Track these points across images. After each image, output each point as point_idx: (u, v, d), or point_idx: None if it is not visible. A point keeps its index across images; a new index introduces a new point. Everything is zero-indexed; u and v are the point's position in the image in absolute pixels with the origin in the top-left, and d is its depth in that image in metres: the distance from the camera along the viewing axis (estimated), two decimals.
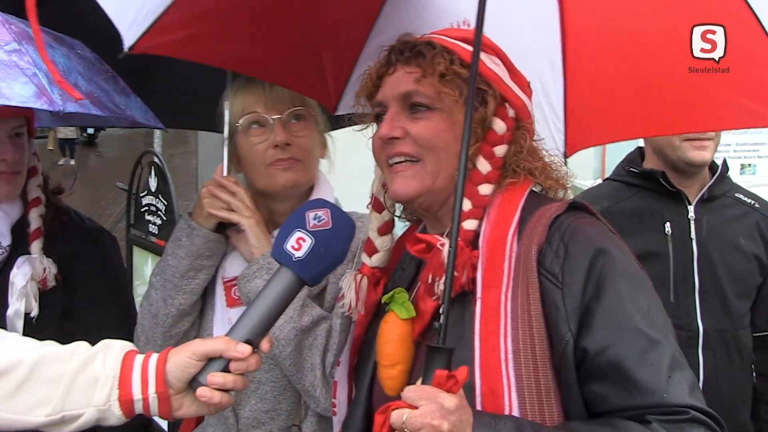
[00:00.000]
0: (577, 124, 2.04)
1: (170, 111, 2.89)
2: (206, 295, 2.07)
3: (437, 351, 1.30)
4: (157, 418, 2.33)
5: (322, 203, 1.52)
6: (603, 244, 1.42)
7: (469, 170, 1.52)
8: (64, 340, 1.47)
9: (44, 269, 2.08)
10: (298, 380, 1.91)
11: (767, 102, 1.79)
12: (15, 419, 1.36)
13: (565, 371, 1.36)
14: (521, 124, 1.58)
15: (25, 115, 2.11)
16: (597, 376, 1.36)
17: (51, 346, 1.43)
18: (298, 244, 1.45)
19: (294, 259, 1.44)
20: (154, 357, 1.41)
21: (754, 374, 2.70)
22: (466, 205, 1.50)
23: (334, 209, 1.51)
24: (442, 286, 1.40)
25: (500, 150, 1.54)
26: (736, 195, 2.74)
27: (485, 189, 1.52)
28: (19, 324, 2.03)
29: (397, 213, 1.76)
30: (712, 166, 2.72)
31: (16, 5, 1.61)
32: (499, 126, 1.54)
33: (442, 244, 1.44)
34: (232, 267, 2.05)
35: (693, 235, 2.59)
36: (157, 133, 11.67)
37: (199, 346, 1.40)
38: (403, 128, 1.54)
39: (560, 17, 1.97)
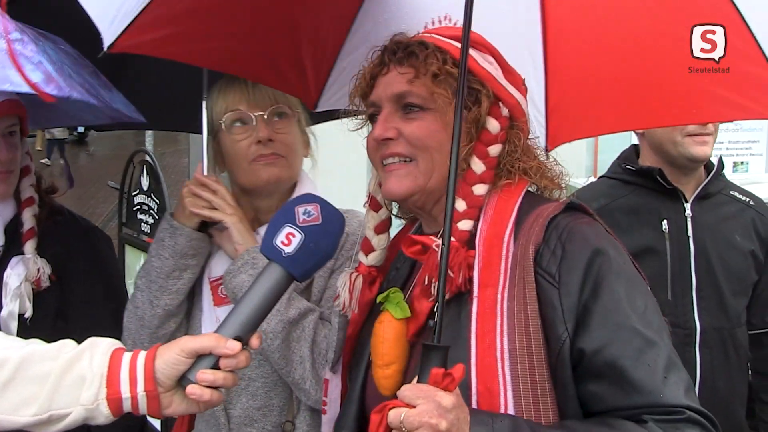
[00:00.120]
0: (560, 119, 2.05)
1: (159, 112, 2.89)
2: (193, 296, 2.07)
3: (433, 349, 1.30)
4: (150, 418, 2.33)
5: (311, 198, 1.51)
6: (600, 244, 1.43)
7: (464, 170, 1.52)
8: (59, 340, 1.45)
9: (38, 269, 2.07)
10: (287, 373, 1.92)
11: (755, 97, 1.81)
12: (1, 419, 1.34)
13: (561, 370, 1.36)
14: (515, 124, 1.58)
15: (18, 113, 2.09)
16: (593, 376, 1.36)
17: (37, 345, 1.41)
18: (288, 240, 1.43)
19: (284, 255, 1.43)
20: (142, 354, 1.39)
21: (750, 372, 2.70)
22: (461, 205, 1.50)
23: (324, 204, 1.49)
24: None
25: (494, 150, 1.54)
26: (731, 192, 2.74)
27: (480, 189, 1.52)
28: (13, 325, 2.02)
29: (394, 211, 1.76)
30: (707, 164, 2.72)
31: None
32: (493, 125, 1.54)
33: (438, 245, 1.43)
34: (218, 266, 2.06)
35: (690, 232, 2.60)
36: (149, 132, 11.62)
37: (188, 343, 1.38)
38: (397, 129, 1.54)
39: (541, 12, 1.99)
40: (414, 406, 1.23)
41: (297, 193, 2.07)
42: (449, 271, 1.39)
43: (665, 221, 2.59)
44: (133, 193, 4.74)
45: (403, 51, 1.55)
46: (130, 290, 3.73)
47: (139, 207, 4.67)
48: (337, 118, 2.80)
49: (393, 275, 1.69)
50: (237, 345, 1.38)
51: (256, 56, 1.96)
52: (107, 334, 1.46)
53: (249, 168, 2.01)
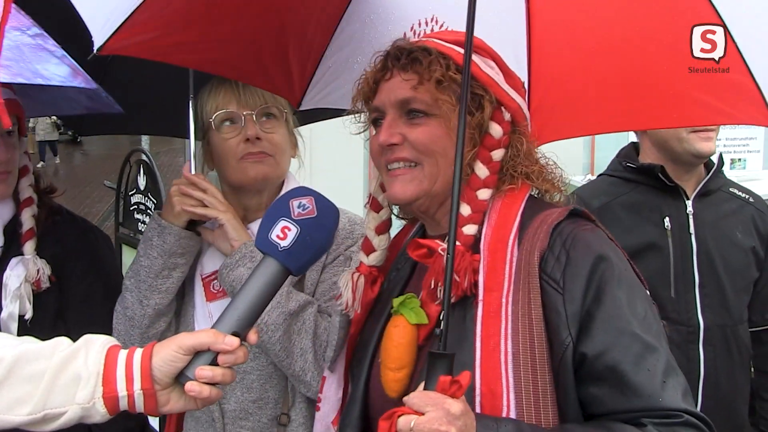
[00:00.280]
0: (543, 119, 2.04)
1: (150, 116, 2.89)
2: (185, 293, 2.10)
3: (439, 357, 1.32)
4: (149, 417, 2.32)
5: (305, 191, 1.50)
6: (603, 250, 1.46)
7: (468, 175, 1.54)
8: None
9: (38, 270, 2.05)
10: (287, 365, 1.93)
11: (732, 102, 1.86)
12: None
13: (564, 374, 1.39)
14: (517, 128, 1.59)
15: (16, 113, 2.07)
16: (595, 379, 1.39)
17: (31, 343, 1.39)
18: (284, 234, 1.42)
19: (280, 249, 1.41)
20: (138, 352, 1.37)
21: (752, 369, 2.71)
22: (466, 210, 1.52)
23: (319, 197, 1.49)
24: None
25: (498, 154, 1.56)
26: (731, 189, 2.75)
27: (484, 194, 1.54)
28: (14, 326, 2.00)
29: (395, 212, 1.77)
30: (707, 161, 2.72)
31: None
32: (496, 130, 1.55)
33: (443, 249, 1.45)
34: (209, 263, 2.09)
35: (692, 229, 2.59)
36: None
37: (186, 340, 1.36)
38: (402, 134, 1.55)
39: (527, 10, 2.00)
40: (422, 413, 1.26)
41: (284, 192, 2.07)
42: (455, 276, 1.42)
43: (667, 218, 2.59)
44: (130, 193, 4.73)
45: (407, 57, 1.56)
46: None
47: (136, 206, 4.66)
48: (324, 119, 2.83)
49: (394, 276, 1.71)
50: (235, 341, 1.37)
51: (242, 57, 1.98)
52: (106, 334, 1.45)
53: (237, 166, 2.04)
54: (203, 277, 2.10)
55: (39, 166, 19.26)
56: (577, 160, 5.91)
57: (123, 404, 1.35)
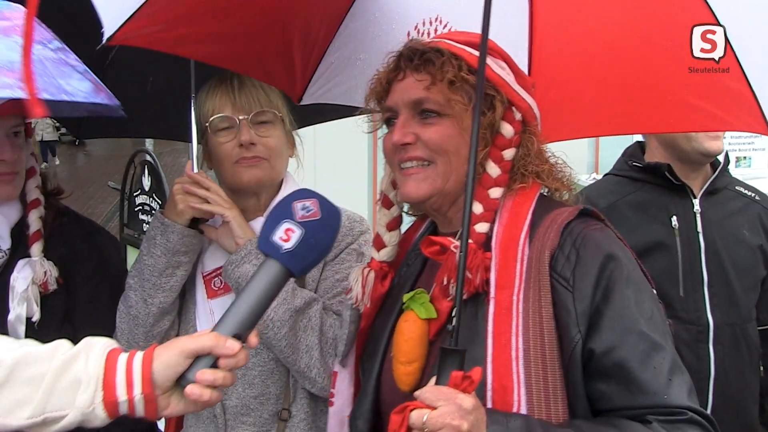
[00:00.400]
0: (542, 120, 2.08)
1: (153, 121, 2.89)
2: (186, 291, 2.11)
3: (451, 353, 1.35)
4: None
5: (308, 193, 1.49)
6: (612, 250, 1.49)
7: (480, 174, 1.57)
8: None
9: (45, 272, 2.04)
10: (293, 362, 1.95)
11: (728, 108, 1.89)
12: None
13: (573, 371, 1.42)
14: (528, 128, 1.62)
15: (22, 113, 2.06)
16: (602, 375, 1.42)
17: (31, 346, 1.39)
18: (287, 236, 1.42)
19: (282, 251, 1.41)
20: (139, 356, 1.36)
21: (762, 368, 2.69)
22: (478, 208, 1.55)
23: (322, 199, 1.49)
24: None
25: (509, 153, 1.59)
26: (737, 188, 2.74)
27: (495, 192, 1.57)
28: (21, 329, 1.99)
29: (405, 209, 1.79)
30: (713, 160, 2.71)
31: None
32: (507, 130, 1.58)
33: (456, 247, 1.49)
34: (210, 260, 2.11)
35: (699, 228, 2.58)
36: None
37: (187, 344, 1.36)
38: (415, 134, 1.58)
39: (530, 14, 2.03)
40: (434, 408, 1.28)
41: (282, 193, 2.12)
42: (467, 273, 1.45)
43: (674, 217, 2.58)
44: (135, 194, 4.73)
45: (420, 58, 1.59)
46: None
47: (140, 207, 4.66)
48: (322, 121, 2.84)
49: (404, 271, 1.74)
50: (237, 344, 1.36)
51: (247, 51, 1.99)
52: (113, 335, 1.43)
53: (232, 169, 2.06)
54: (204, 274, 2.12)
55: (43, 167, 19.24)
56: (581, 159, 5.92)
57: (123, 409, 1.34)
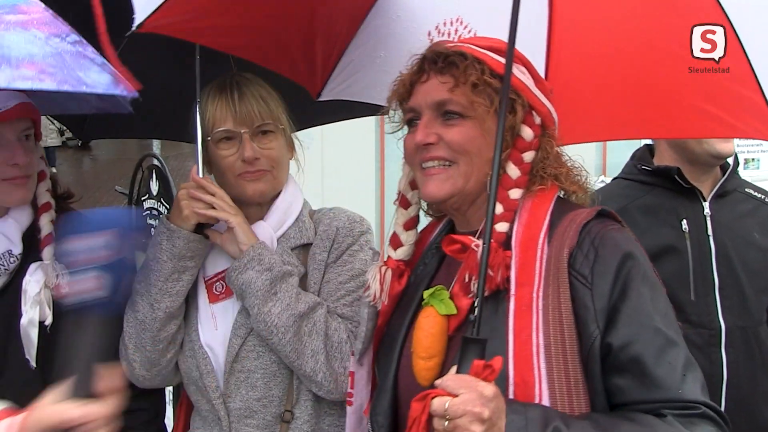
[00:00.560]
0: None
1: (158, 121, 2.89)
2: (188, 296, 2.11)
3: (472, 342, 1.40)
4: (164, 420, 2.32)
5: (86, 226, 1.30)
6: (630, 249, 1.53)
7: (500, 176, 1.60)
8: None
9: (57, 276, 2.05)
10: (299, 366, 1.96)
11: (738, 115, 1.91)
12: None
13: (592, 365, 1.46)
14: (546, 131, 1.67)
15: (33, 117, 2.07)
16: (618, 370, 1.46)
17: None
18: (97, 284, 1.26)
19: (99, 301, 1.27)
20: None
21: None
22: (498, 208, 1.59)
23: (110, 233, 1.29)
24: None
25: (528, 156, 1.63)
26: (746, 190, 2.74)
27: (515, 193, 1.61)
28: (34, 332, 1.99)
29: (423, 208, 1.84)
30: (723, 163, 2.71)
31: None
32: (527, 133, 1.63)
33: (477, 245, 1.53)
34: (211, 265, 2.12)
35: (710, 231, 2.58)
36: None
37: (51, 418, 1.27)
38: (438, 134, 1.62)
39: (549, 19, 2.05)
40: (456, 395, 1.32)
41: (282, 197, 2.14)
42: (489, 270, 1.49)
43: (684, 220, 2.58)
44: (142, 198, 4.73)
45: (444, 61, 1.63)
46: None
47: (148, 212, 4.66)
48: (321, 123, 2.84)
49: (421, 270, 1.78)
50: (95, 408, 1.27)
51: (272, 45, 2.02)
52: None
53: (235, 182, 2.08)
54: (206, 279, 2.13)
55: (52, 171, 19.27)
56: (589, 162, 5.89)
57: None
